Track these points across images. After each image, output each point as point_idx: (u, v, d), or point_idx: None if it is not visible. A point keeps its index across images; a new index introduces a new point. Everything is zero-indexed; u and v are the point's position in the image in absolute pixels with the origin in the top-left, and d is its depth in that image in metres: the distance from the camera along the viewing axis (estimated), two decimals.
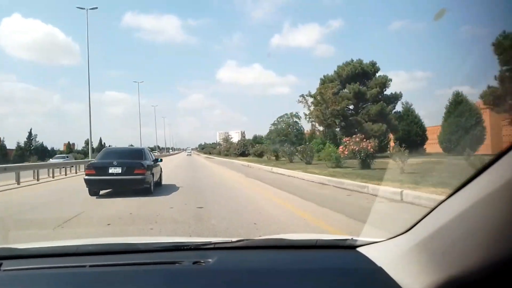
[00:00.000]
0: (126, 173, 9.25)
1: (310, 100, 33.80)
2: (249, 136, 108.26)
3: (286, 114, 48.15)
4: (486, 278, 0.82)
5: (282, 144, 33.78)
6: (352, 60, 34.60)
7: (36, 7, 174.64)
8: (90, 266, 1.33)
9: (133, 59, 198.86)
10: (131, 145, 46.31)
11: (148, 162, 9.97)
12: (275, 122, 49.65)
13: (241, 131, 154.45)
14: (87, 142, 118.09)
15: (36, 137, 75.54)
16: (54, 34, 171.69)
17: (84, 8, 33.34)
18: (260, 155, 41.14)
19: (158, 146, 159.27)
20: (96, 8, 34.60)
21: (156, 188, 10.37)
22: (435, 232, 1.00)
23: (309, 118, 34.93)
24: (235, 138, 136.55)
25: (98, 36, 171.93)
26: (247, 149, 53.79)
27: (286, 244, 1.64)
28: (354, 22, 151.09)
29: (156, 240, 1.84)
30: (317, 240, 1.66)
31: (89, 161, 17.47)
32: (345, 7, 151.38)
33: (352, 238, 1.57)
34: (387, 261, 1.24)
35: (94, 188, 9.45)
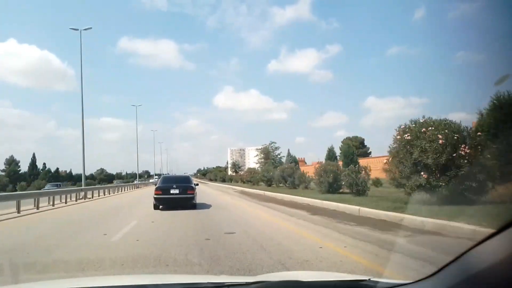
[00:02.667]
0: (182, 193, 13.22)
1: None
2: None
3: None
4: None
5: None
6: None
7: (31, 32, 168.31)
8: None
9: (129, 85, 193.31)
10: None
11: (193, 185, 14.08)
12: None
13: (264, 146, 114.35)
14: (9, 162, 79.66)
15: None
16: (49, 59, 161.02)
17: (77, 29, 33.44)
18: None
19: (148, 172, 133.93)
20: (90, 28, 34.50)
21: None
22: (462, 281, 0.98)
23: None
24: (252, 155, 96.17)
25: (93, 61, 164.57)
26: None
27: (304, 286, 1.61)
28: (351, 47, 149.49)
29: (167, 281, 1.90)
30: (335, 282, 1.69)
31: None
32: (342, 32, 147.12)
33: (370, 279, 1.56)
34: None
35: (159, 204, 13.25)
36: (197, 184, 15.93)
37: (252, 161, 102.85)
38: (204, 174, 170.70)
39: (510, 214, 1.31)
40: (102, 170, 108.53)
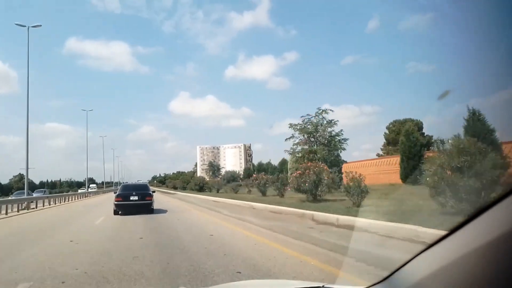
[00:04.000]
0: (141, 199, 14.48)
1: None
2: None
3: None
4: None
5: None
6: None
7: None
8: None
9: (78, 88, 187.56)
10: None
11: (151, 192, 15.43)
12: None
13: (245, 145, 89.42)
14: None
15: None
16: None
17: (25, 26, 27.53)
18: None
19: (93, 180, 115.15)
20: (40, 26, 28.58)
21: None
22: (415, 283, 0.98)
23: None
24: (230, 155, 74.19)
25: (38, 62, 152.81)
26: None
27: None
28: (308, 55, 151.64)
29: None
30: None
31: None
32: (300, 40, 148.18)
33: (323, 286, 1.57)
34: None
35: (120, 210, 14.26)
36: (154, 191, 16.60)
37: (229, 162, 78.24)
38: (162, 181, 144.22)
39: (460, 216, 0.94)
40: (20, 176, 79.34)
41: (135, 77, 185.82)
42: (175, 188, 67.99)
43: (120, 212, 14.14)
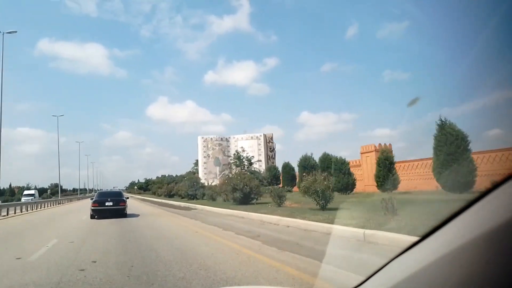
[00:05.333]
0: (115, 205, 16.05)
1: None
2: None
3: None
4: None
5: None
6: None
7: None
8: None
9: (50, 92, 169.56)
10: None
11: (124, 199, 17.09)
12: None
13: (266, 135, 66.13)
14: None
15: None
16: None
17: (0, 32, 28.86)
18: None
19: (61, 187, 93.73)
20: (15, 32, 30.62)
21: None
22: (392, 287, 0.99)
23: None
24: (245, 149, 51.59)
25: (7, 63, 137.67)
26: None
27: None
28: (288, 62, 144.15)
29: None
30: None
31: None
32: (280, 45, 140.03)
33: None
34: None
35: (96, 214, 15.62)
36: (128, 198, 18.27)
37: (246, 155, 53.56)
38: (143, 187, 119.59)
39: (434, 222, 0.87)
40: None
41: (111, 81, 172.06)
42: (170, 196, 44.80)
43: (96, 216, 15.49)
